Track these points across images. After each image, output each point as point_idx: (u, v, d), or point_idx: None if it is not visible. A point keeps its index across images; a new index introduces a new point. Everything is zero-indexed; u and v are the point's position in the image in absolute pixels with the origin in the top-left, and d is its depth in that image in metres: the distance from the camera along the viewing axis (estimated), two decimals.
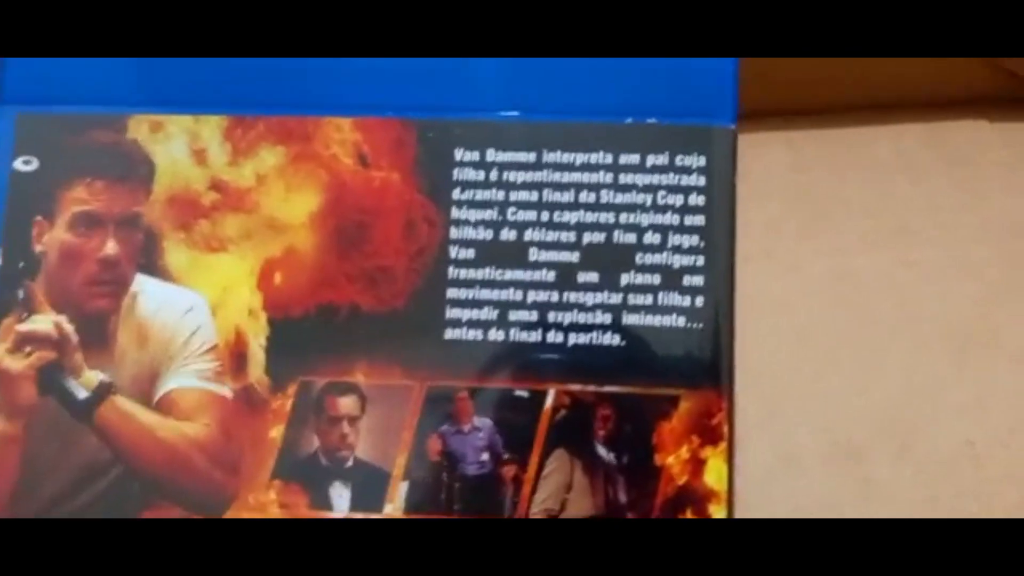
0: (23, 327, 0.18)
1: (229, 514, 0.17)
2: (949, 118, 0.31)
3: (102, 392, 0.18)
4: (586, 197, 0.17)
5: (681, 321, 0.17)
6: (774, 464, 0.26)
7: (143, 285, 0.18)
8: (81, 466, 0.17)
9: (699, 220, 0.17)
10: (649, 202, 0.17)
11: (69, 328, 0.18)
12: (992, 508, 0.27)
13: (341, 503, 0.17)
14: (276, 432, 0.17)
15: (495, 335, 0.17)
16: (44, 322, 0.18)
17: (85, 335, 0.18)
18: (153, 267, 0.18)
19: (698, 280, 0.17)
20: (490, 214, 0.17)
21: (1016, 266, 0.29)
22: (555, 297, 0.17)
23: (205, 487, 0.17)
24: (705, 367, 0.16)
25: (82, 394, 0.18)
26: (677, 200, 0.17)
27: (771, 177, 0.29)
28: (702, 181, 0.17)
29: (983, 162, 0.30)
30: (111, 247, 0.18)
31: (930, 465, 0.27)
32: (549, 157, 0.17)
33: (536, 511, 0.16)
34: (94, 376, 0.18)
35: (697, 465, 0.16)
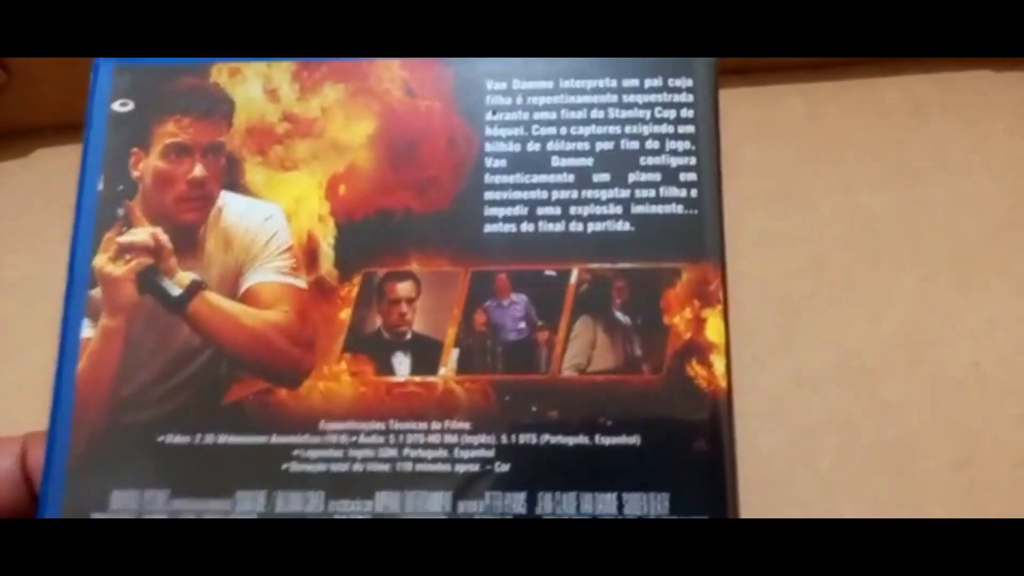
0: (123, 238, 0.21)
1: (307, 383, 0.20)
2: (956, 68, 0.34)
3: (193, 289, 0.21)
4: (596, 114, 0.21)
5: (680, 209, 0.20)
6: (789, 385, 0.29)
7: (227, 200, 0.21)
8: (175, 352, 0.20)
9: (689, 129, 0.21)
10: (648, 116, 0.21)
11: (164, 237, 0.21)
12: (996, 423, 0.29)
13: (402, 368, 0.20)
14: (344, 314, 0.20)
15: (526, 227, 0.20)
16: (141, 233, 0.21)
17: (178, 243, 0.21)
18: (235, 185, 0.21)
19: (692, 176, 0.20)
20: (517, 131, 0.21)
21: (1021, 201, 0.32)
22: (575, 195, 0.20)
23: (285, 362, 0.20)
24: (701, 245, 0.20)
25: (176, 291, 0.21)
26: (670, 114, 0.21)
27: (787, 124, 0.33)
28: (690, 98, 0.21)
29: (988, 105, 0.33)
30: (198, 170, 0.21)
31: (938, 384, 0.29)
32: (565, 84, 0.21)
33: (567, 367, 0.20)
34: (186, 276, 0.21)
35: (699, 323, 0.20)
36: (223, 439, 0.20)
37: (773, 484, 0.25)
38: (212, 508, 0.19)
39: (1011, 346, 0.30)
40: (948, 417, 0.29)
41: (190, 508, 0.19)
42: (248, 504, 0.19)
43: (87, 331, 0.21)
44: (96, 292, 0.21)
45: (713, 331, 0.20)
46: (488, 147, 0.21)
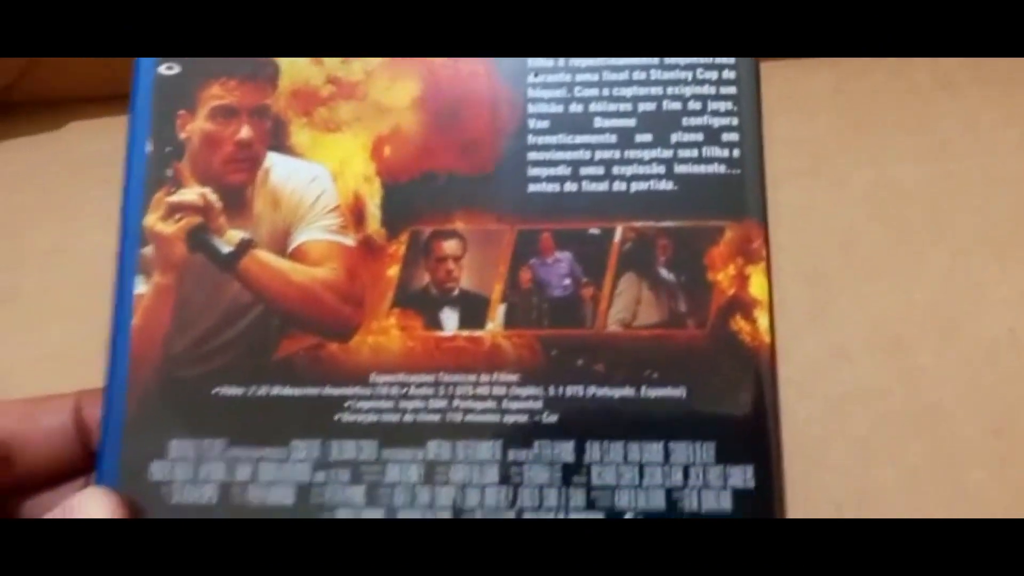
0: (173, 198, 0.21)
1: (356, 338, 0.20)
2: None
3: (244, 247, 0.21)
4: (638, 75, 0.21)
5: (722, 168, 0.21)
6: (823, 357, 0.30)
7: (274, 161, 0.22)
8: (226, 308, 0.21)
9: (731, 90, 0.21)
10: (690, 77, 0.21)
11: (213, 197, 0.21)
12: None
13: (450, 323, 0.20)
14: (392, 271, 0.21)
15: (570, 187, 0.21)
16: (191, 193, 0.21)
17: (227, 202, 0.21)
18: (282, 146, 0.22)
19: (733, 136, 0.21)
20: (560, 92, 0.21)
21: None
22: (617, 155, 0.21)
23: (334, 318, 0.21)
24: (744, 203, 0.20)
25: (226, 249, 0.21)
26: (712, 75, 0.21)
27: (817, 99, 0.33)
28: (731, 60, 0.21)
29: (1019, 81, 0.33)
30: (245, 131, 0.22)
31: (973, 352, 0.30)
32: None
33: (612, 322, 0.20)
34: (236, 234, 0.21)
35: (743, 280, 0.20)
36: (276, 391, 0.20)
37: (811, 450, 0.26)
38: (268, 455, 0.20)
39: None
40: (985, 384, 0.29)
41: (247, 456, 0.20)
42: (303, 452, 0.20)
43: (140, 287, 0.21)
44: (148, 250, 0.21)
45: (757, 287, 0.20)
46: (531, 108, 0.21)
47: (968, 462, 0.27)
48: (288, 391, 0.20)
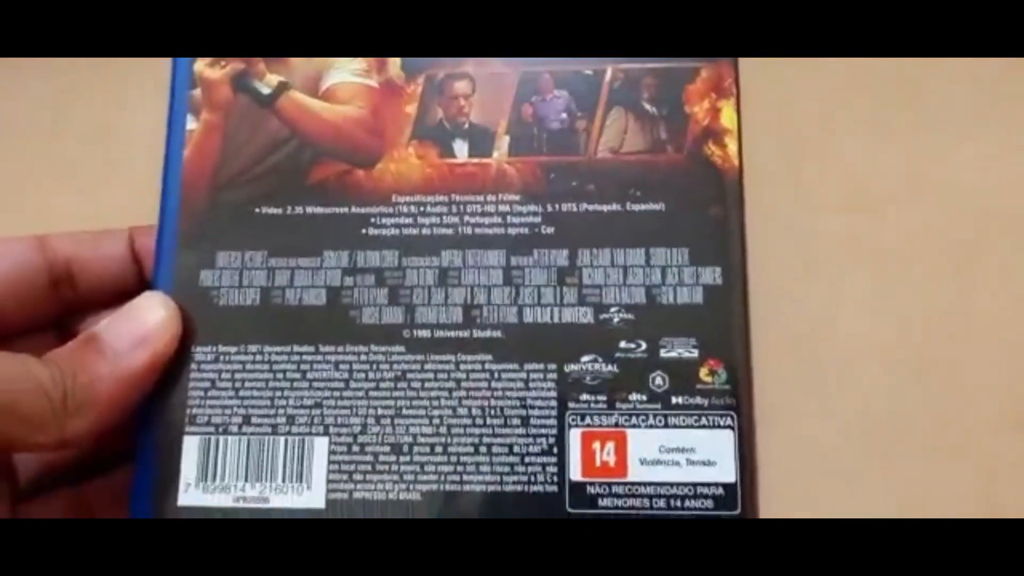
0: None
1: (380, 165, 0.23)
2: None
3: (281, 88, 0.24)
4: None
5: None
6: (786, 178, 0.32)
7: None
8: (266, 141, 0.24)
9: None
10: None
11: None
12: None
13: (461, 152, 0.23)
14: (410, 108, 0.24)
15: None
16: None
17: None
18: None
19: None
20: None
21: None
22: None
23: (361, 148, 0.24)
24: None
25: (266, 91, 0.24)
26: None
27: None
28: None
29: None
30: None
31: (933, 210, 0.32)
32: None
33: (602, 149, 0.23)
34: (274, 78, 0.24)
35: (715, 112, 0.23)
36: (310, 210, 0.23)
37: (773, 253, 0.28)
38: (304, 264, 0.23)
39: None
40: (940, 238, 0.32)
41: (285, 264, 0.23)
42: (333, 260, 0.23)
43: (191, 124, 0.24)
44: (196, 92, 0.24)
45: (727, 118, 0.23)
46: None
47: (922, 301, 0.31)
48: (320, 210, 0.23)
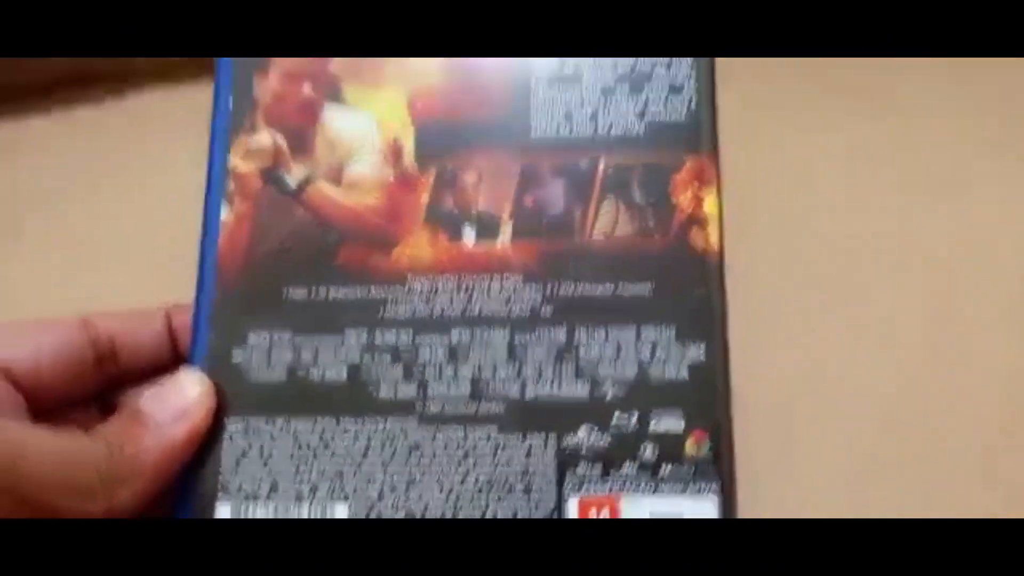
0: (251, 142, 0.27)
1: (396, 250, 0.26)
2: None
3: (306, 181, 0.27)
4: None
5: (683, 115, 0.26)
6: (766, 261, 0.35)
7: (331, 111, 0.27)
8: (293, 228, 0.26)
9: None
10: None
11: (281, 141, 0.27)
12: None
13: (470, 236, 0.26)
14: (424, 197, 0.26)
15: (563, 130, 0.26)
16: (264, 138, 0.27)
17: (292, 145, 0.27)
18: (337, 99, 0.27)
19: (691, 90, 0.26)
20: (557, 58, 0.27)
21: None
22: (601, 105, 0.26)
23: (379, 234, 0.26)
24: (700, 141, 0.26)
25: (293, 183, 0.27)
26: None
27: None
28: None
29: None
30: (307, 88, 0.27)
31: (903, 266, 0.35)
32: None
33: (596, 234, 0.25)
34: (300, 170, 0.27)
35: (698, 201, 0.25)
36: (333, 292, 0.26)
37: (755, 331, 0.30)
38: (326, 342, 0.25)
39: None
40: (916, 294, 0.34)
41: (309, 343, 0.25)
42: (353, 339, 0.25)
43: (225, 215, 0.27)
44: (230, 184, 0.27)
45: (709, 206, 0.25)
46: (534, 70, 0.27)
47: (897, 352, 0.32)
48: (342, 292, 0.26)
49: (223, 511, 0.24)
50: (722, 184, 0.25)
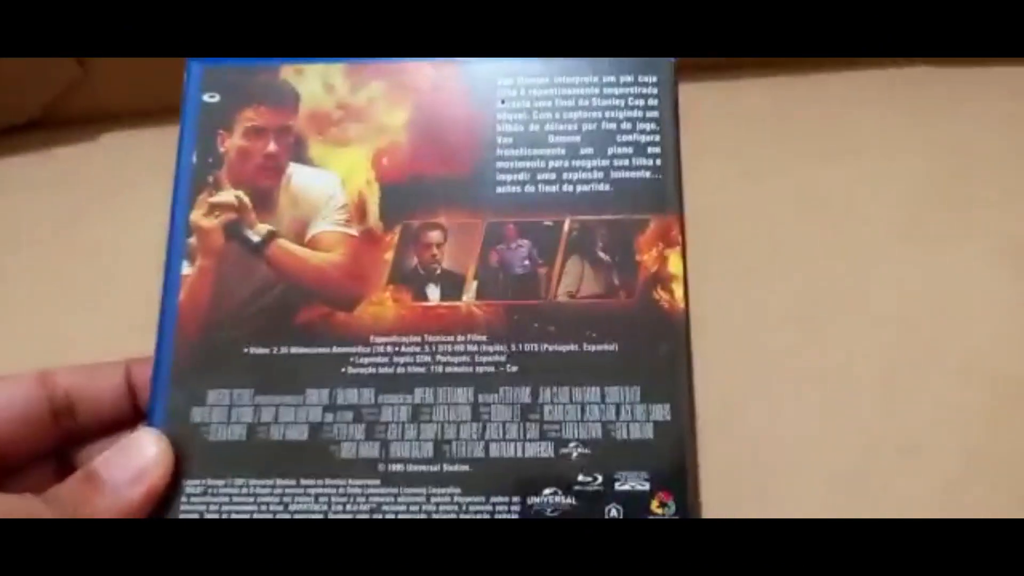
0: (213, 199, 0.27)
1: (359, 307, 0.26)
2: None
3: (269, 236, 0.26)
4: (582, 103, 0.27)
5: (648, 174, 0.26)
6: (730, 320, 0.35)
7: (295, 169, 0.27)
8: (256, 285, 0.26)
9: (654, 113, 0.27)
10: (623, 104, 0.27)
11: (245, 198, 0.27)
12: None
13: (434, 296, 0.26)
14: (388, 255, 0.26)
15: (529, 188, 0.26)
16: (228, 195, 0.27)
17: (256, 202, 0.27)
18: (301, 158, 0.27)
19: (656, 149, 0.26)
20: (522, 116, 0.27)
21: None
22: (566, 164, 0.26)
23: (342, 292, 0.26)
24: (664, 201, 0.26)
25: (256, 238, 0.26)
26: (640, 102, 0.27)
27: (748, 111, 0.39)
28: (655, 91, 0.27)
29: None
30: (272, 147, 0.27)
31: (866, 320, 0.35)
32: (557, 80, 0.27)
33: (561, 294, 0.25)
34: (264, 227, 0.27)
35: (663, 260, 0.25)
36: (295, 350, 0.25)
37: (718, 392, 0.30)
38: (288, 401, 0.25)
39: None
40: (875, 350, 0.35)
41: (270, 402, 0.25)
42: (315, 398, 0.25)
43: (186, 269, 0.26)
44: (192, 240, 0.26)
45: (674, 266, 0.25)
46: (499, 127, 0.27)
47: (861, 410, 0.33)
48: (304, 350, 0.25)
49: None
50: (687, 243, 0.26)
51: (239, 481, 0.24)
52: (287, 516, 0.24)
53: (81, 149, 0.44)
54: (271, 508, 0.24)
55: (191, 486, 0.24)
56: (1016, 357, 0.34)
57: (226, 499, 0.24)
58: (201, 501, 0.24)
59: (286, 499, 0.24)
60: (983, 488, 0.32)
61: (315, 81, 0.28)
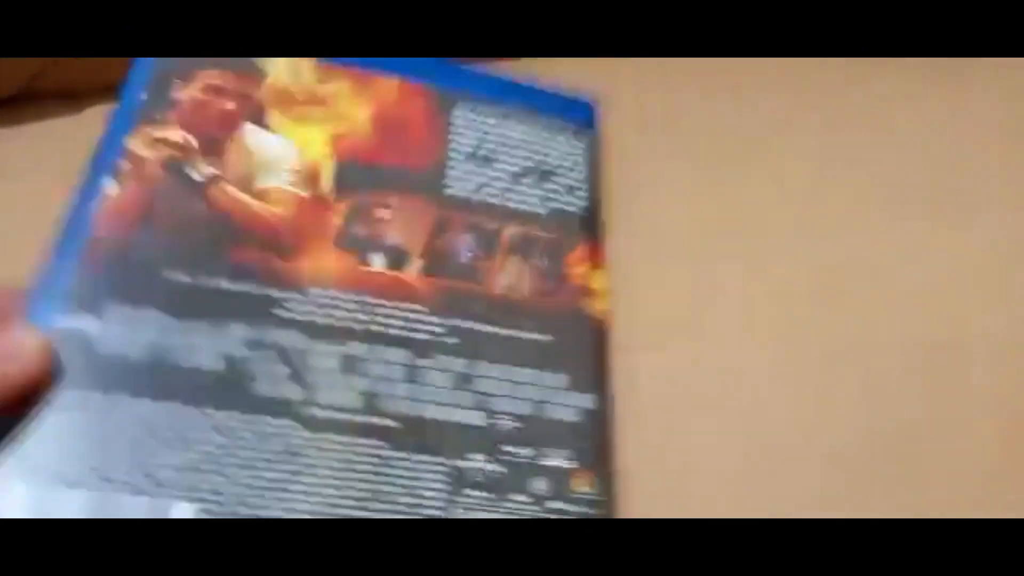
0: (157, 133, 0.26)
1: (299, 259, 0.25)
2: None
3: (213, 179, 0.25)
4: (525, 145, 0.30)
5: (577, 211, 0.29)
6: (649, 326, 0.37)
7: (250, 129, 0.27)
8: (189, 219, 0.25)
9: (583, 172, 0.31)
10: (558, 153, 0.31)
11: (193, 141, 0.26)
12: None
13: (378, 263, 0.26)
14: (337, 219, 0.26)
15: (475, 197, 0.28)
16: (174, 133, 0.26)
17: (204, 147, 0.26)
18: (259, 123, 0.27)
19: (584, 194, 0.30)
20: (474, 139, 0.29)
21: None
22: (508, 186, 0.29)
23: (283, 241, 0.25)
24: (591, 227, 0.29)
25: (198, 177, 0.25)
26: (576, 149, 0.31)
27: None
28: (585, 149, 0.31)
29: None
30: (230, 105, 0.27)
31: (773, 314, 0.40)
32: (506, 123, 0.31)
33: (499, 287, 0.27)
34: (208, 169, 0.26)
35: (590, 276, 0.28)
36: (224, 284, 0.24)
37: (636, 384, 0.31)
38: (205, 330, 0.23)
39: None
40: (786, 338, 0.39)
41: (181, 328, 0.22)
42: (239, 333, 0.23)
43: (110, 189, 0.24)
44: (124, 163, 0.25)
45: (598, 282, 0.28)
46: (453, 143, 0.29)
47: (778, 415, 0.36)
48: (233, 286, 0.24)
49: (17, 490, 0.19)
50: (609, 265, 0.29)
51: (125, 398, 0.21)
52: (183, 446, 0.21)
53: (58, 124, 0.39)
54: (160, 434, 0.21)
55: (66, 393, 0.20)
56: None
57: (105, 414, 0.20)
58: (77, 413, 0.20)
59: (180, 426, 0.21)
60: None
61: (284, 66, 0.29)
